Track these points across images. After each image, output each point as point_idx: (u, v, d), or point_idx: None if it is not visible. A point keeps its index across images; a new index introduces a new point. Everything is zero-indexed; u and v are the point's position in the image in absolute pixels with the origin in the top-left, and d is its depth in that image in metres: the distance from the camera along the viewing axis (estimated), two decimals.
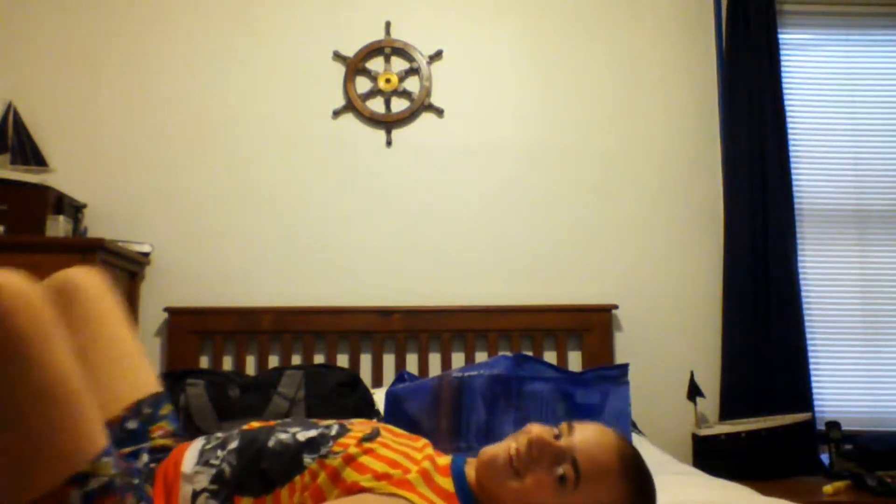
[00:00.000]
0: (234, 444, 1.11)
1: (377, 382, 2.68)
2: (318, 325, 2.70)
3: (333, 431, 1.11)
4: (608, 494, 1.03)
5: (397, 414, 2.04)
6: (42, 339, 0.93)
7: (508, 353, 2.29)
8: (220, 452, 1.10)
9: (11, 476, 0.92)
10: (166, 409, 1.25)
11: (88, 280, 1.25)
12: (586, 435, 1.07)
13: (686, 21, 3.00)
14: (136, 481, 1.03)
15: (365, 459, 1.06)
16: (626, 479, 1.04)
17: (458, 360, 2.73)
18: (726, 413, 2.70)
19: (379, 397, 2.28)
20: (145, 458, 1.17)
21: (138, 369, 1.24)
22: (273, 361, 2.70)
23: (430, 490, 1.05)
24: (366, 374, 2.69)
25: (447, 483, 1.09)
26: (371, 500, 0.99)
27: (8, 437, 0.91)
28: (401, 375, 2.26)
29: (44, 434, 0.92)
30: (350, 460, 1.05)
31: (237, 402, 2.04)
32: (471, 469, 1.14)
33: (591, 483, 1.03)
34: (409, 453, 1.10)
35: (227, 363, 2.69)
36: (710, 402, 2.77)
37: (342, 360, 2.71)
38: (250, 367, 2.69)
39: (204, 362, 2.68)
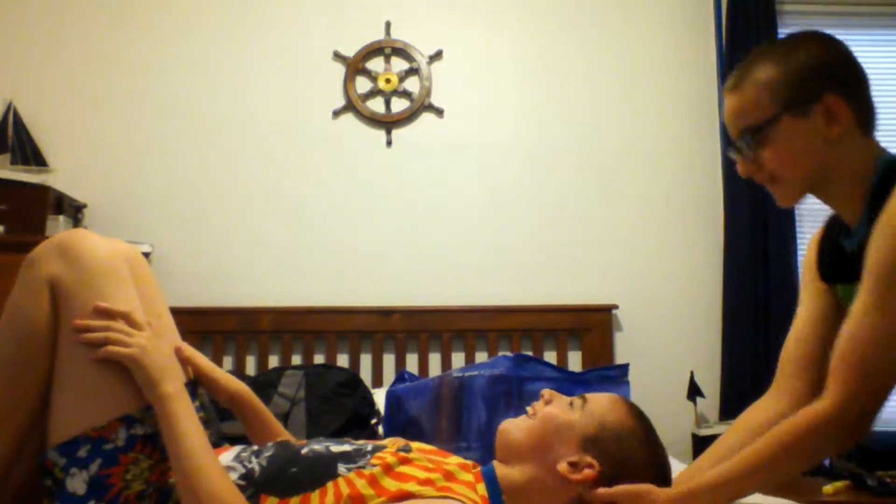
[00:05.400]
0: (268, 453, 1.16)
1: (377, 382, 2.67)
2: (318, 325, 2.70)
3: (370, 447, 1.16)
4: (615, 416, 1.17)
5: (398, 414, 2.04)
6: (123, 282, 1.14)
7: (509, 354, 2.29)
8: (254, 459, 1.15)
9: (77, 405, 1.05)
10: (197, 402, 1.28)
11: (145, 265, 1.28)
12: (597, 394, 1.24)
13: (686, 20, 3.00)
14: None
15: (403, 469, 1.10)
16: (627, 406, 1.21)
17: (458, 360, 2.73)
18: (726, 413, 2.70)
19: (379, 397, 2.28)
20: None
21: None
22: (273, 361, 2.70)
23: (473, 492, 1.09)
24: (366, 374, 2.69)
25: (480, 488, 1.14)
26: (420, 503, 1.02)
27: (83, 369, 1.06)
28: (401, 375, 2.26)
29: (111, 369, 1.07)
30: (389, 469, 1.09)
31: None
32: (500, 470, 1.18)
33: (597, 405, 1.19)
34: (442, 467, 1.14)
35: (227, 363, 2.69)
36: (710, 402, 2.77)
37: (342, 360, 2.71)
38: (250, 367, 2.69)
39: None
